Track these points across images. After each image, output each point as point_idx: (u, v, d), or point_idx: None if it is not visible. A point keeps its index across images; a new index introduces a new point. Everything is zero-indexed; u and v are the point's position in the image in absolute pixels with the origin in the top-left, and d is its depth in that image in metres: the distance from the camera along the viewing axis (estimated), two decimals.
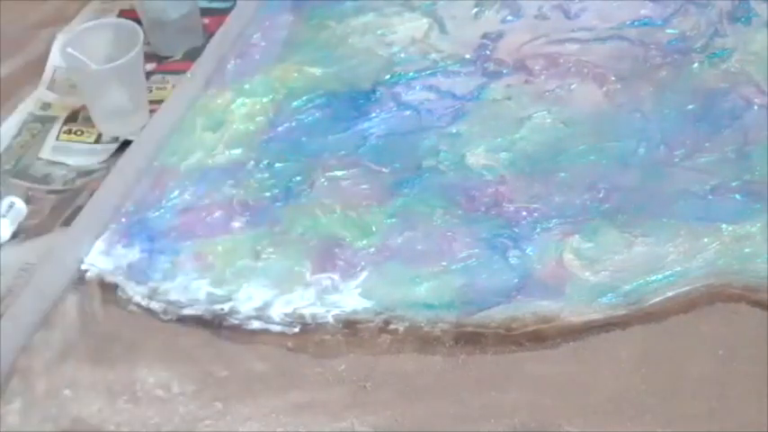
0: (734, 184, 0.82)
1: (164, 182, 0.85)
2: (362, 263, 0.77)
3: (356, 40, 1.00)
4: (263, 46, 1.01)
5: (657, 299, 0.73)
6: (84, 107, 0.90)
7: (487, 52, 0.98)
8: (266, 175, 0.85)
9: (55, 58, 0.98)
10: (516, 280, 0.75)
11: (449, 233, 0.79)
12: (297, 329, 0.73)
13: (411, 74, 0.96)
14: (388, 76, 0.95)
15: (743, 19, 1.00)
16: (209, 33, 1.00)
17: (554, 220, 0.80)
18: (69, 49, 0.85)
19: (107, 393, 0.69)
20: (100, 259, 0.78)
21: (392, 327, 0.72)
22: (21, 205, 0.80)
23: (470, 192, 0.83)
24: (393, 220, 0.81)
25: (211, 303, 0.75)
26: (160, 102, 0.91)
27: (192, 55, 0.97)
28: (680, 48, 0.97)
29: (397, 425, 0.66)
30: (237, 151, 0.88)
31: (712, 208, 0.80)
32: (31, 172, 0.86)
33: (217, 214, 0.82)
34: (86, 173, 0.86)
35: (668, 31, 0.99)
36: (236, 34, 1.01)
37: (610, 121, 0.89)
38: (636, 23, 1.00)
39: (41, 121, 0.91)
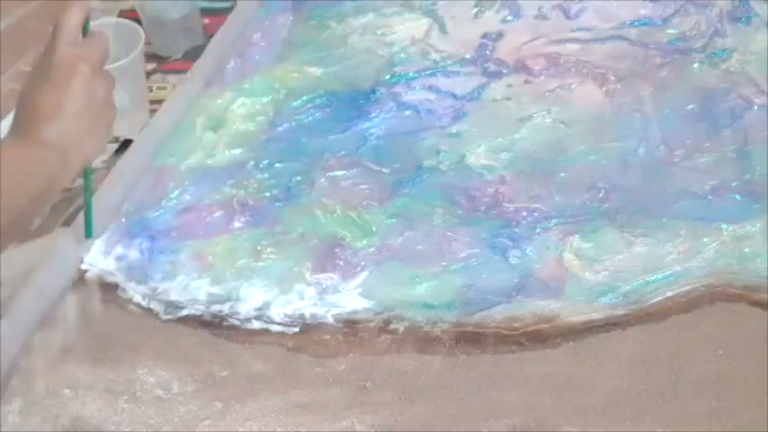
0: (734, 184, 0.82)
1: (164, 182, 0.85)
2: (362, 263, 0.77)
3: (356, 40, 1.00)
4: (263, 46, 1.01)
5: (657, 299, 0.73)
6: None
7: (487, 52, 0.98)
8: (266, 175, 0.85)
9: None
10: (516, 280, 0.75)
11: (449, 233, 0.79)
12: (297, 329, 0.73)
13: (411, 74, 0.96)
14: (388, 76, 0.95)
15: (743, 19, 1.00)
16: (209, 33, 1.00)
17: (554, 220, 0.80)
18: None
19: (107, 393, 0.69)
20: (100, 259, 0.78)
21: (392, 327, 0.72)
22: None
23: (470, 192, 0.83)
24: (393, 220, 0.81)
25: (211, 303, 0.75)
26: (160, 102, 0.91)
27: (192, 55, 0.97)
28: (680, 48, 0.97)
29: (397, 425, 0.66)
30: (237, 151, 0.88)
31: (712, 208, 0.80)
32: None
33: (217, 214, 0.82)
34: None
35: (668, 31, 0.99)
36: (236, 34, 1.01)
37: (610, 121, 0.89)
38: (636, 23, 1.00)
39: None
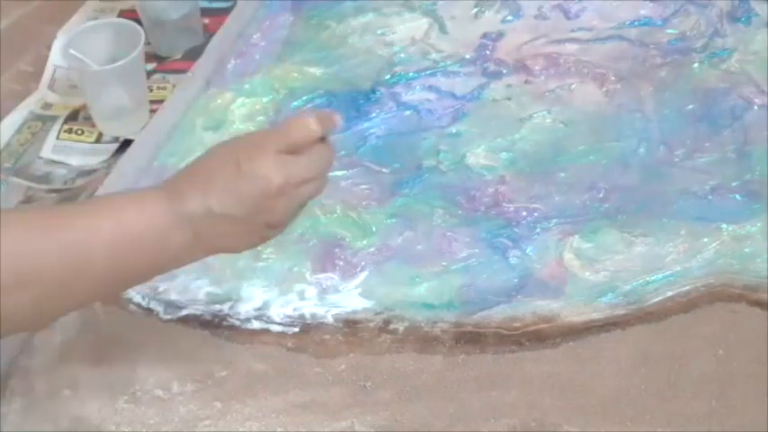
0: (734, 184, 0.82)
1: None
2: (362, 263, 0.77)
3: (356, 40, 1.00)
4: (263, 46, 1.00)
5: (657, 299, 0.73)
6: (84, 106, 0.91)
7: (487, 52, 0.98)
8: None
9: (55, 57, 0.98)
10: (516, 280, 0.75)
11: (449, 233, 0.79)
12: (297, 329, 0.73)
13: (411, 74, 0.96)
14: (388, 76, 0.95)
15: (743, 19, 1.00)
16: (209, 33, 1.00)
17: (554, 220, 0.80)
18: (71, 50, 0.85)
19: (107, 393, 0.69)
20: None
21: (392, 327, 0.72)
22: None
23: (470, 192, 0.83)
24: (393, 220, 0.81)
25: (211, 303, 0.75)
26: (160, 101, 0.91)
27: (192, 55, 0.97)
28: (680, 48, 0.97)
29: (396, 425, 0.66)
30: None
31: (712, 208, 0.80)
32: (31, 171, 0.86)
33: None
34: (87, 172, 0.86)
35: (668, 31, 0.99)
36: (236, 34, 1.01)
37: (610, 121, 0.89)
38: (636, 23, 1.00)
39: (42, 120, 0.91)
